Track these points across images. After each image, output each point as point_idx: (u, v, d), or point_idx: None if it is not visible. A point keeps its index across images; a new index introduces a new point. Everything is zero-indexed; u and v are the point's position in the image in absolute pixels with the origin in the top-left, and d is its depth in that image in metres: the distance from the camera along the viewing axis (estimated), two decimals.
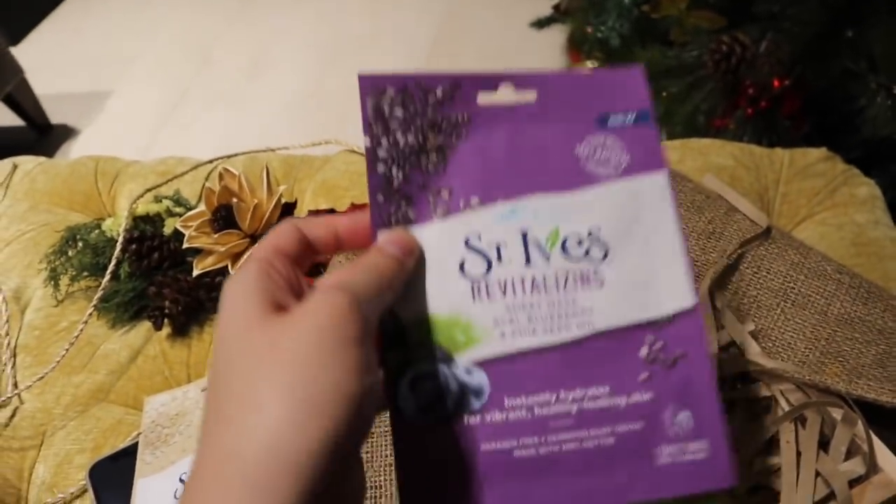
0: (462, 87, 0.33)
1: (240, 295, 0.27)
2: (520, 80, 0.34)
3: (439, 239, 0.32)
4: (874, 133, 0.87)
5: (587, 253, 0.32)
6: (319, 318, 0.25)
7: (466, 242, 0.32)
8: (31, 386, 0.63)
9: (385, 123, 0.32)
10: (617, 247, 0.33)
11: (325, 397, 0.24)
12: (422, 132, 0.33)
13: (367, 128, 0.32)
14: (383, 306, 0.29)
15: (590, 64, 1.27)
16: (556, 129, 0.34)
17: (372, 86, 0.32)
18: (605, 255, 0.33)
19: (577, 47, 1.32)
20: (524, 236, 0.32)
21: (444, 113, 0.33)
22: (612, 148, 0.34)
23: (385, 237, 0.30)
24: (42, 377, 0.63)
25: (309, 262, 0.32)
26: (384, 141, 0.32)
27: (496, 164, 0.33)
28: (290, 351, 0.24)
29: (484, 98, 0.34)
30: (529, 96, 0.34)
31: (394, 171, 0.32)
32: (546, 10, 1.38)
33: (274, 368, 0.24)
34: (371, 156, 0.32)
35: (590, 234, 0.33)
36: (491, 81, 0.34)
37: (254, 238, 0.65)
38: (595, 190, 0.33)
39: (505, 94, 0.34)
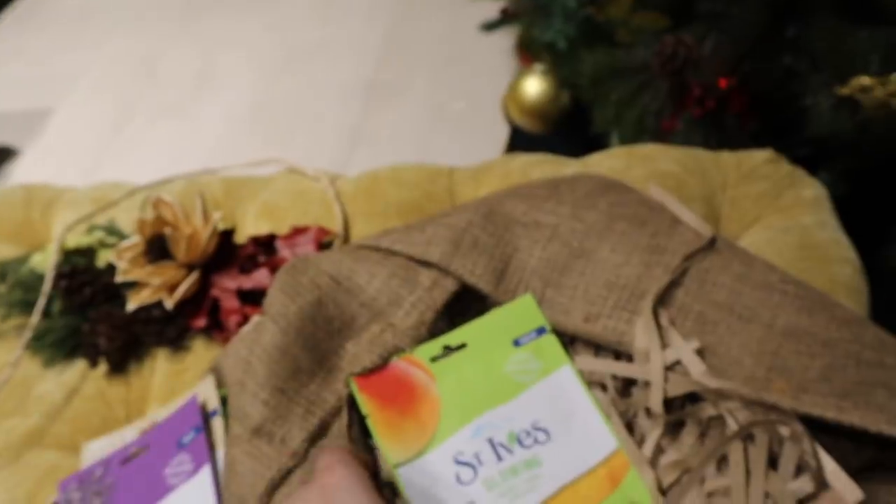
0: None
1: None
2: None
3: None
4: (820, 130, 0.87)
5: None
6: None
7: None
8: None
9: None
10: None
11: None
12: None
13: None
14: None
15: (538, 67, 1.27)
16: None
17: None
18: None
19: (526, 50, 1.31)
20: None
21: None
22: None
23: None
24: None
25: None
26: None
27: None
28: None
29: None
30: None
31: None
32: (494, 14, 1.37)
33: None
34: None
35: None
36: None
37: (190, 267, 0.62)
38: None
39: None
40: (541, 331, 0.49)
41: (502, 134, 1.43)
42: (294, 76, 1.75)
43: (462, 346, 0.49)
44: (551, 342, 0.49)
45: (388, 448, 0.45)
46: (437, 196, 0.69)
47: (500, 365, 0.48)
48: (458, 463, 0.44)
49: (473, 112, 1.53)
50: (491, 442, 0.45)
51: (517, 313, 0.50)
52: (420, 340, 0.49)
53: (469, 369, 0.48)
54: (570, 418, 0.46)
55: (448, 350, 0.49)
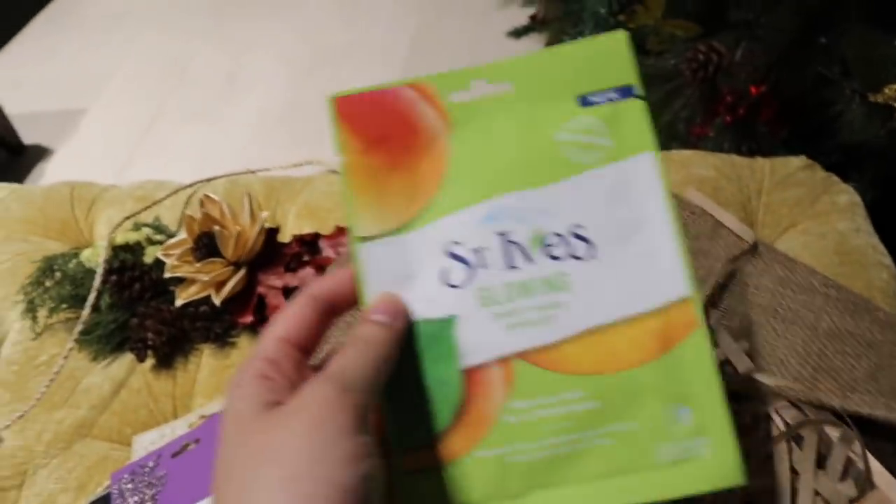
0: None
1: (236, 398, 0.27)
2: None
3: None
4: (851, 137, 0.88)
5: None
6: (309, 413, 0.26)
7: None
8: (10, 425, 0.61)
9: None
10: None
11: (321, 491, 0.24)
12: None
13: None
14: (382, 378, 0.29)
15: None
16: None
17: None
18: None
19: None
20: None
21: None
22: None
23: (372, 304, 0.31)
24: (23, 415, 0.61)
25: (327, 324, 0.32)
26: None
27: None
28: (281, 448, 0.25)
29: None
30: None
31: None
32: (523, 20, 1.38)
33: (269, 468, 0.24)
34: None
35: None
36: None
37: (237, 265, 0.64)
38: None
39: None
40: (626, 91, 0.32)
41: None
42: (322, 79, 1.77)
43: (502, 88, 0.33)
44: (637, 111, 0.32)
45: (359, 214, 0.32)
46: None
47: (550, 128, 0.32)
48: (451, 255, 0.31)
49: None
50: (504, 237, 0.31)
51: (598, 56, 0.33)
52: None
53: (503, 124, 0.33)
54: (632, 234, 0.31)
55: (480, 88, 0.33)
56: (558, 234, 0.31)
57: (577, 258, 0.31)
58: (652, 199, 0.31)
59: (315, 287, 0.31)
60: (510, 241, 0.31)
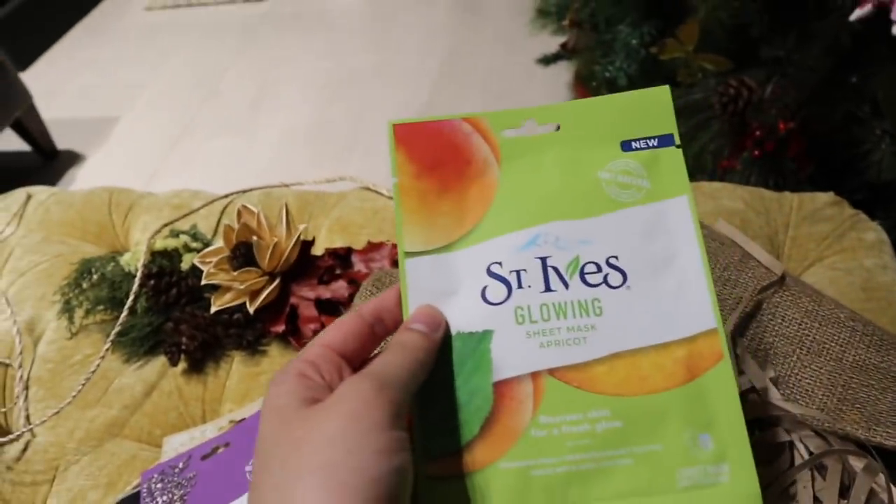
0: None
1: (276, 395, 0.29)
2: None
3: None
4: (879, 177, 0.89)
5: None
6: (346, 406, 0.27)
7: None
8: (45, 421, 0.63)
9: None
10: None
11: (354, 481, 0.25)
12: None
13: None
14: (418, 381, 0.30)
15: None
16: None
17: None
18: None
19: (584, 85, 1.34)
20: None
21: None
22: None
23: (413, 315, 0.32)
24: (57, 412, 0.63)
25: (374, 339, 0.33)
26: None
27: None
28: (319, 440, 0.26)
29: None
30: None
31: None
32: (553, 48, 1.40)
33: (305, 458, 0.26)
34: None
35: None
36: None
37: (272, 275, 0.65)
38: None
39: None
40: (666, 140, 0.35)
41: None
42: (349, 99, 1.80)
43: (551, 128, 0.36)
44: (675, 158, 0.35)
45: (408, 232, 0.34)
46: None
47: (594, 168, 0.35)
48: (492, 275, 0.33)
49: None
50: (544, 262, 0.33)
51: (642, 106, 0.36)
52: None
53: (550, 161, 0.35)
54: (664, 268, 0.34)
55: (530, 127, 0.36)
56: (595, 263, 0.33)
57: (612, 286, 0.33)
58: (684, 237, 0.34)
59: (363, 306, 0.33)
60: (549, 266, 0.33)
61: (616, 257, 0.33)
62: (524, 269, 0.33)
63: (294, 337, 0.64)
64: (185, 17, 2.33)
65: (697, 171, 1.00)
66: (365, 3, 2.18)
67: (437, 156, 0.35)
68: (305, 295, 0.65)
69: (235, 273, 0.64)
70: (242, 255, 0.65)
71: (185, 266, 0.69)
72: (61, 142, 1.83)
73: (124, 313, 0.65)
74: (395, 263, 0.67)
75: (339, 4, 2.21)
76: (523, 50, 1.62)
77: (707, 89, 0.99)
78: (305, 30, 2.11)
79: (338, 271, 0.66)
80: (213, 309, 0.64)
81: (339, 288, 0.64)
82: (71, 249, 0.79)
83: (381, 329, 0.33)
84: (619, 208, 0.34)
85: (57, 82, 2.10)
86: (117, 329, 0.65)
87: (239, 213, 0.68)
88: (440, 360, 0.32)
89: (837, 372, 0.49)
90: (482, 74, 1.76)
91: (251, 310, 0.64)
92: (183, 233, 0.73)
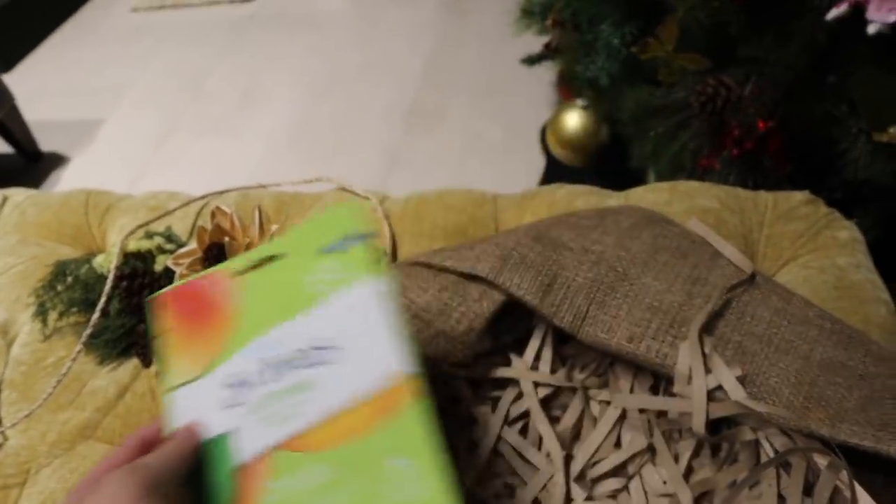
0: None
1: None
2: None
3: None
4: (855, 175, 0.89)
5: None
6: (107, 489, 0.33)
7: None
8: (16, 424, 0.63)
9: None
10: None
11: None
12: None
13: None
14: (173, 471, 0.36)
15: (579, 102, 1.29)
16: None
17: None
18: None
19: (567, 85, 1.34)
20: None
21: None
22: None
23: (174, 431, 0.40)
24: (28, 414, 0.62)
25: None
26: None
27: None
28: None
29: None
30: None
31: None
32: (537, 48, 1.40)
33: None
34: None
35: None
36: None
37: None
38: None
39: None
40: (357, 238, 0.42)
41: (537, 165, 1.46)
42: (336, 98, 1.80)
43: (275, 258, 0.43)
44: (362, 252, 0.42)
45: (167, 373, 0.42)
46: (482, 221, 0.72)
47: (303, 275, 0.42)
48: (228, 386, 0.40)
49: (510, 142, 1.57)
50: (267, 363, 0.40)
51: (338, 218, 0.43)
52: (471, 347, 0.51)
53: (275, 283, 0.42)
54: (360, 338, 0.40)
55: (264, 262, 0.43)
56: (302, 351, 0.40)
57: (319, 365, 0.40)
58: (375, 309, 0.40)
59: (143, 430, 0.40)
60: (268, 365, 0.40)
61: (321, 339, 0.40)
62: (250, 372, 0.40)
63: None
64: (171, 18, 2.31)
65: (677, 170, 1.00)
66: (351, 4, 2.18)
67: (188, 308, 0.43)
68: None
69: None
70: (215, 255, 0.65)
71: (158, 268, 0.69)
72: (45, 144, 1.82)
73: (96, 315, 0.65)
74: None
75: (326, 5, 2.20)
76: (508, 50, 1.62)
77: (687, 88, 0.99)
78: (292, 30, 2.10)
79: None
80: None
81: None
82: (47, 251, 0.79)
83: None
84: (322, 300, 0.41)
85: (41, 83, 2.09)
86: (89, 331, 0.65)
87: (213, 215, 0.68)
88: (199, 466, 0.38)
89: (805, 370, 0.49)
90: (467, 74, 1.76)
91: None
92: (157, 234, 0.72)
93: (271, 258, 0.43)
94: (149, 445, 0.38)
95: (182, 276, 0.65)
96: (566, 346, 0.57)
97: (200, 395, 0.40)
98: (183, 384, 0.41)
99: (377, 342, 0.39)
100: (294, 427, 0.38)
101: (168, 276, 0.68)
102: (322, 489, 0.36)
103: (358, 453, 0.37)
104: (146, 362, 0.64)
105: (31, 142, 1.79)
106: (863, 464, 0.45)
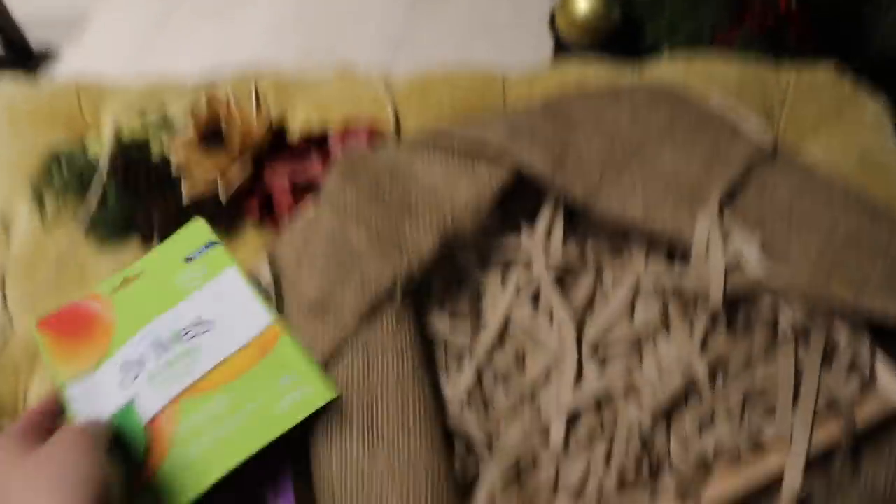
0: None
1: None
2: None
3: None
4: (883, 48, 0.85)
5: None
6: (64, 438, 0.40)
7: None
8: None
9: None
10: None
11: (79, 483, 0.37)
12: None
13: None
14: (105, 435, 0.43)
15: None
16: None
17: None
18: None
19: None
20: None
21: None
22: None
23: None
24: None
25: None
26: None
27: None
28: (47, 463, 0.38)
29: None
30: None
31: None
32: None
33: (42, 479, 0.37)
34: None
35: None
36: None
37: (244, 159, 0.63)
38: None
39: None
40: (210, 245, 0.55)
41: (545, 46, 1.40)
42: None
43: (140, 275, 0.55)
44: (219, 252, 0.54)
45: (59, 370, 0.50)
46: (490, 98, 0.69)
47: (172, 280, 0.53)
48: (124, 369, 0.48)
49: (517, 23, 1.51)
50: (155, 343, 0.49)
51: (190, 237, 0.56)
52: (476, 225, 0.50)
53: (145, 291, 0.53)
54: (231, 310, 0.50)
55: (128, 280, 0.54)
56: (185, 329, 0.50)
57: (202, 334, 0.49)
58: (238, 286, 0.52)
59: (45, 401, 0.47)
60: (159, 343, 0.49)
61: (200, 317, 0.50)
62: (144, 353, 0.49)
63: (269, 221, 0.62)
64: None
65: (694, 48, 0.95)
66: None
67: (69, 325, 0.52)
68: (280, 178, 0.62)
69: (205, 158, 0.62)
70: (211, 138, 0.62)
71: (155, 156, 0.67)
72: (36, 39, 1.76)
73: (93, 203, 0.63)
74: (372, 144, 0.64)
75: None
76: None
77: None
78: None
79: (314, 155, 0.64)
80: (185, 199, 0.62)
81: (314, 170, 0.62)
82: (40, 141, 0.76)
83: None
84: (192, 292, 0.52)
85: None
86: (88, 217, 0.63)
87: (209, 98, 0.65)
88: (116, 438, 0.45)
89: (827, 244, 0.47)
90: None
91: (224, 196, 0.61)
92: (152, 118, 0.70)
93: (137, 276, 0.54)
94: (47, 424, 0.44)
95: (179, 161, 0.63)
96: (577, 224, 0.55)
97: (98, 382, 0.48)
98: (75, 378, 0.49)
99: (245, 308, 0.50)
100: (190, 379, 0.47)
101: (166, 163, 0.66)
102: (224, 414, 0.45)
103: (249, 382, 0.46)
104: (148, 238, 0.63)
105: (21, 39, 1.73)
106: (883, 338, 0.44)
